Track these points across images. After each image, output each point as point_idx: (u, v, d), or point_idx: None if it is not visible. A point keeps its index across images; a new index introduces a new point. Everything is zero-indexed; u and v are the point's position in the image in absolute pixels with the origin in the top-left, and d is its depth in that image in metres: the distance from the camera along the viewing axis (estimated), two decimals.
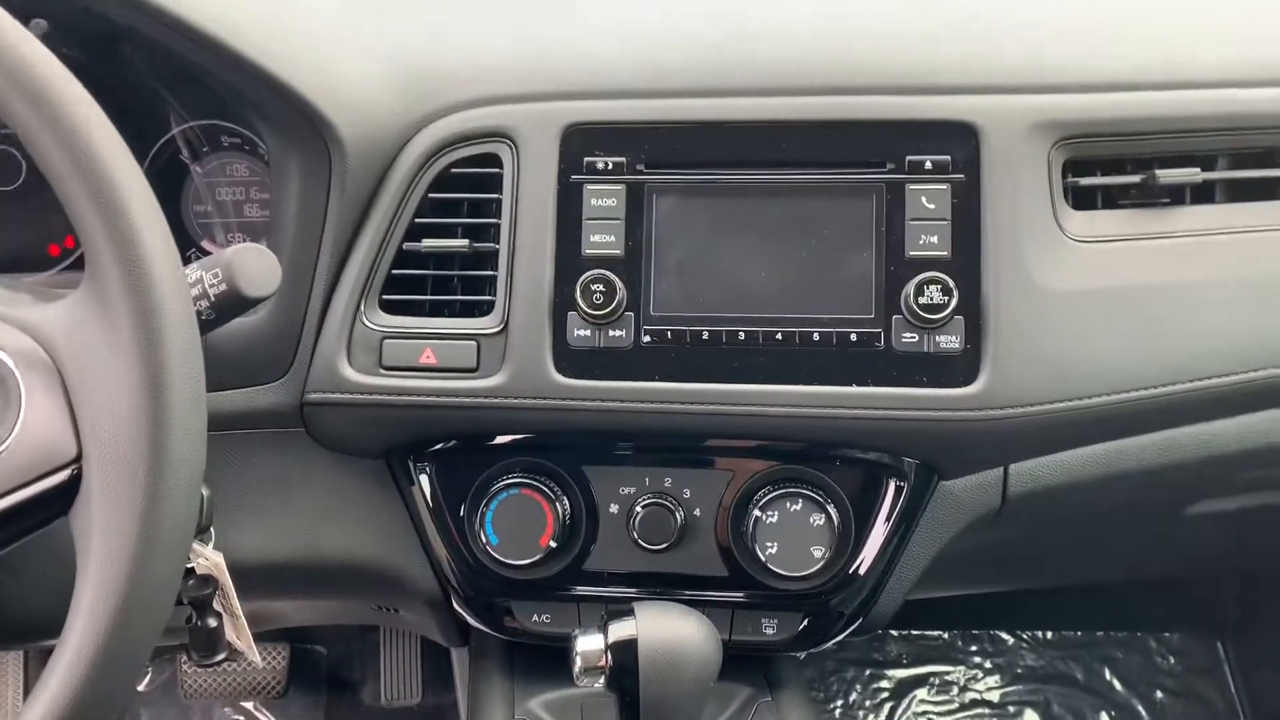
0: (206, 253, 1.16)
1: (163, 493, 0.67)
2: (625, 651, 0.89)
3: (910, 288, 0.98)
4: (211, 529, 0.97)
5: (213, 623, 0.97)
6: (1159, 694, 1.94)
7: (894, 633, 1.99)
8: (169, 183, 1.17)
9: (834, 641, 1.11)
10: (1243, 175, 1.07)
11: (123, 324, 0.69)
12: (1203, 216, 1.06)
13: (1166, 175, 1.04)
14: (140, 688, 1.89)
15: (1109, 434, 1.07)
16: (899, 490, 1.05)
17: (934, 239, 0.99)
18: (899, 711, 1.93)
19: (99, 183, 0.70)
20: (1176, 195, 1.07)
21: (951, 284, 0.98)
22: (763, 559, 1.03)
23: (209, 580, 0.96)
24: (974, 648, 1.99)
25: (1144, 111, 1.03)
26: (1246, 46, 1.08)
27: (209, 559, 0.95)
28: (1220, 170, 1.07)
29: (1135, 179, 1.05)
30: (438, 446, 1.07)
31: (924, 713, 1.94)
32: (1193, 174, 1.05)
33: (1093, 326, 1.01)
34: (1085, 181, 1.04)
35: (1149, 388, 1.02)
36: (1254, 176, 1.07)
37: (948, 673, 1.97)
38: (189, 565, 0.96)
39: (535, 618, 1.12)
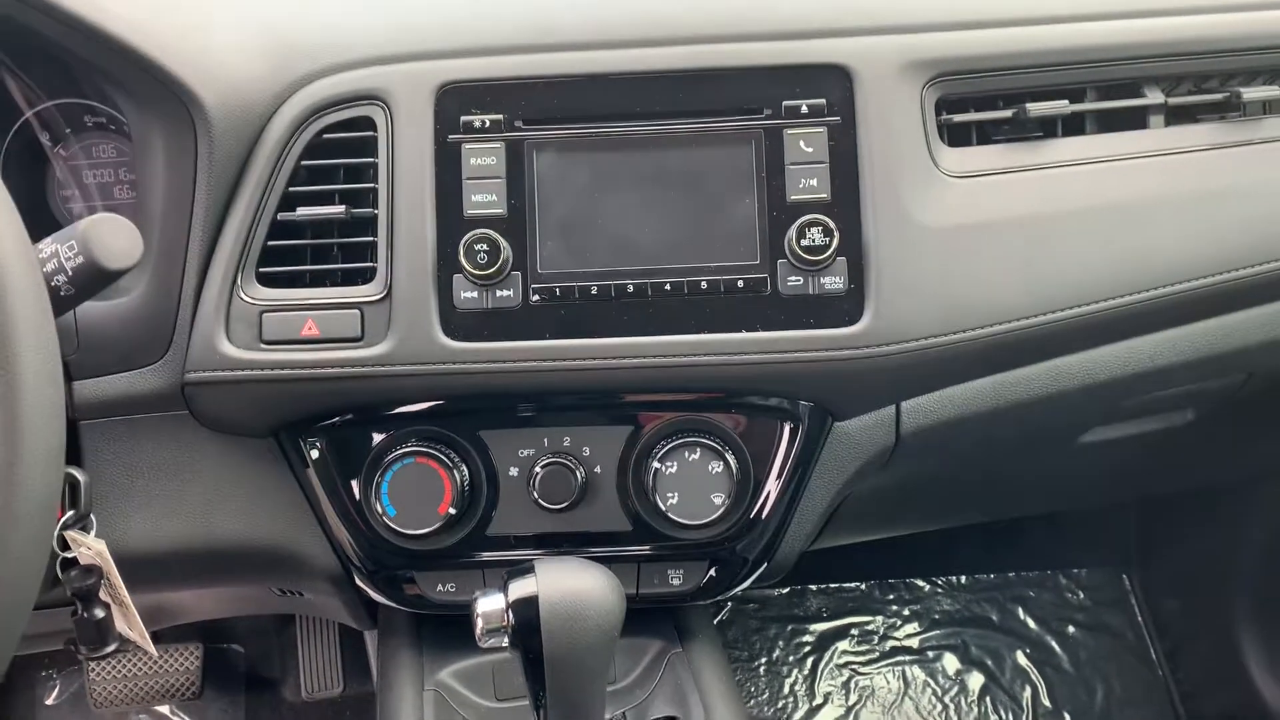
0: None
1: (18, 467, 0.64)
2: (526, 608, 0.88)
3: (793, 231, 0.99)
4: (92, 516, 0.93)
5: (100, 613, 0.95)
6: (1071, 629, 2.00)
7: (812, 586, 2.01)
8: (31, 167, 1.12)
9: (741, 588, 1.12)
10: (1109, 106, 1.10)
11: None
12: (1074, 147, 1.09)
13: (1037, 109, 1.06)
14: (48, 701, 1.82)
15: (994, 366, 1.09)
16: (794, 433, 1.06)
17: (813, 182, 1.00)
18: (822, 664, 1.96)
19: None
20: (1048, 128, 1.09)
21: (832, 225, 0.99)
22: (664, 509, 1.03)
23: (93, 570, 0.93)
24: (891, 596, 2.03)
25: (1012, 47, 1.05)
26: None
27: (91, 547, 0.92)
28: (1088, 102, 1.10)
29: (1007, 113, 1.07)
30: (328, 421, 1.05)
31: (846, 663, 1.97)
32: (1061, 106, 1.07)
33: (971, 260, 1.02)
34: (959, 118, 1.06)
35: (1029, 317, 1.04)
36: (1120, 106, 1.10)
37: (867, 622, 2.00)
38: (70, 555, 0.92)
39: (440, 587, 1.10)
